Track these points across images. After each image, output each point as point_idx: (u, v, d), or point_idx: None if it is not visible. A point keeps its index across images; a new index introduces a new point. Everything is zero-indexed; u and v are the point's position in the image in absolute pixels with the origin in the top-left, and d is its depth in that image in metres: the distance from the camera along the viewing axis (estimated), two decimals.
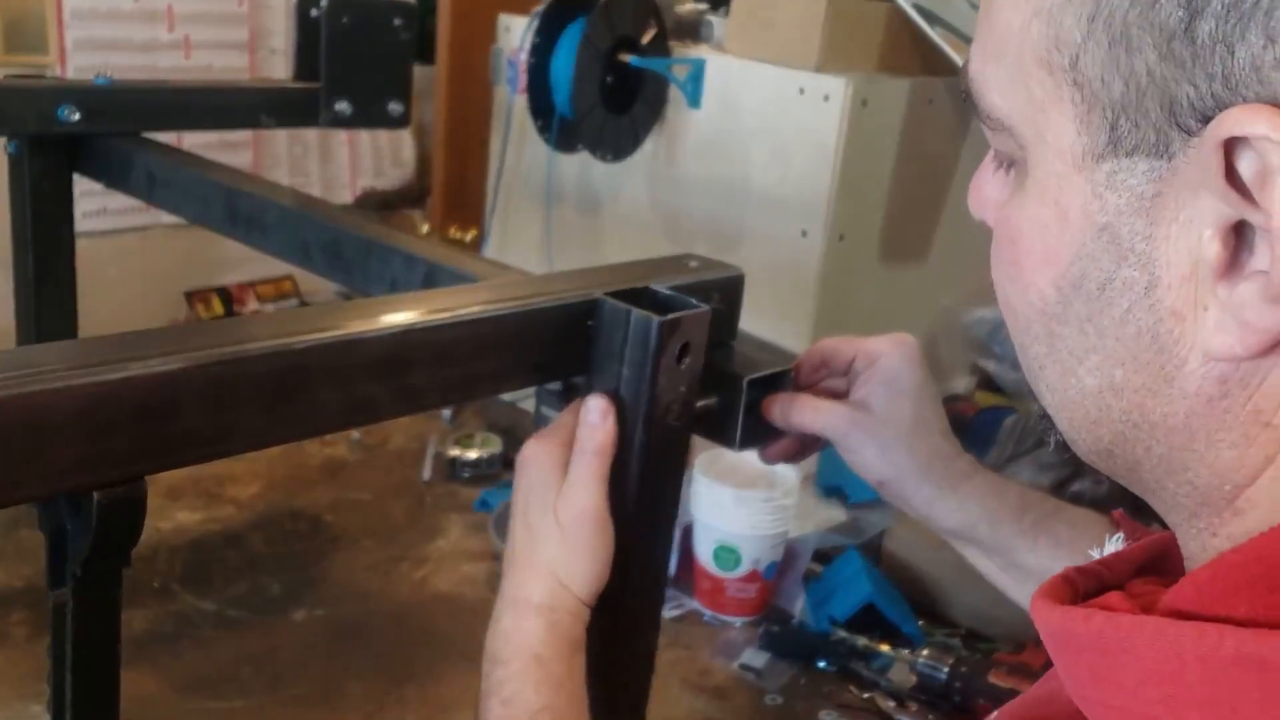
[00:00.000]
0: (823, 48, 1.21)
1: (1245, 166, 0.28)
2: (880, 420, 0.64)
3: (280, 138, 1.75)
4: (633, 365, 0.55)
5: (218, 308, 1.70)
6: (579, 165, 1.44)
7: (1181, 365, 0.31)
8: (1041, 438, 1.20)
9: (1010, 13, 0.33)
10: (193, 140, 1.41)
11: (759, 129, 1.27)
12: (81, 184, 0.98)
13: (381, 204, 1.95)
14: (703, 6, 1.39)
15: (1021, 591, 0.64)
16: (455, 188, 2.00)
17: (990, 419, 1.30)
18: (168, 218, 1.41)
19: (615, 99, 1.30)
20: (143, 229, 1.60)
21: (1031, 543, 0.63)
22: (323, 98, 1.05)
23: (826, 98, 1.20)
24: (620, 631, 0.59)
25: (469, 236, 1.77)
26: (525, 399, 1.39)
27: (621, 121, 1.32)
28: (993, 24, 0.34)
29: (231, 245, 0.85)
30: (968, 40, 1.22)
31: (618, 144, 1.34)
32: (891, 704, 0.97)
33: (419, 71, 1.34)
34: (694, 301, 0.57)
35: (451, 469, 1.32)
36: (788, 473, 1.09)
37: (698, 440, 0.63)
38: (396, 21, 1.07)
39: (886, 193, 1.29)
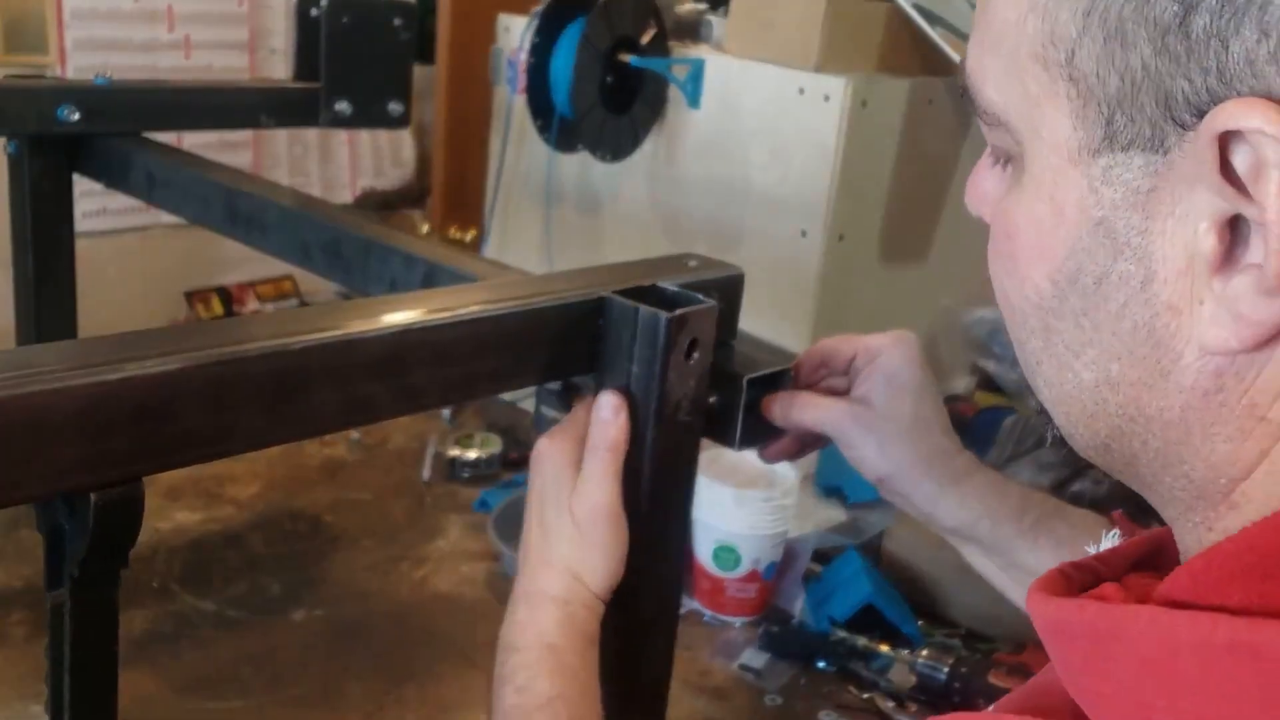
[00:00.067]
0: (822, 48, 1.21)
1: (1240, 160, 0.28)
2: (880, 416, 0.64)
3: (280, 138, 1.75)
4: (642, 362, 0.55)
5: (218, 308, 1.70)
6: (579, 165, 1.44)
7: (1177, 359, 0.31)
8: (1041, 438, 1.20)
9: (1007, 8, 0.33)
10: (193, 140, 1.41)
11: (759, 129, 1.27)
12: (81, 184, 0.98)
13: (381, 204, 1.95)
14: (702, 6, 1.39)
15: (1021, 592, 0.64)
16: (455, 188, 2.00)
17: (990, 419, 1.30)
18: (168, 218, 1.41)
19: (615, 99, 1.30)
20: (143, 229, 1.60)
21: (1032, 542, 0.63)
22: (323, 98, 1.05)
23: (826, 98, 1.20)
24: (636, 627, 0.59)
25: (469, 236, 1.77)
26: (525, 399, 1.39)
27: (621, 121, 1.32)
28: (989, 19, 0.34)
29: (231, 245, 0.86)
30: (967, 40, 1.22)
31: (617, 144, 1.34)
32: (891, 704, 0.97)
33: (419, 71, 1.34)
34: (701, 298, 0.58)
35: (451, 469, 1.32)
36: (787, 472, 1.09)
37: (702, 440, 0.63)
38: (396, 21, 1.07)
39: (886, 193, 1.29)
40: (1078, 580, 0.35)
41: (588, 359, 0.58)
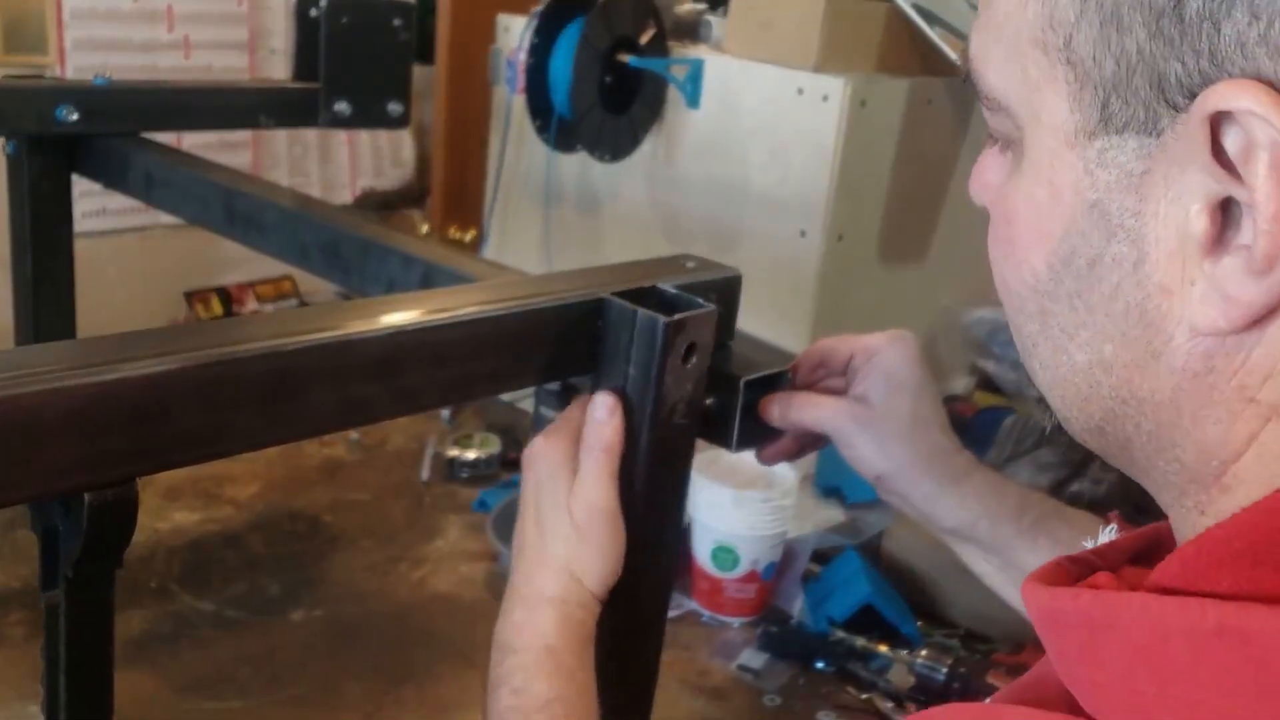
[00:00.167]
0: (821, 48, 1.21)
1: (1231, 142, 0.29)
2: (879, 414, 0.64)
3: (280, 138, 1.75)
4: (639, 365, 0.55)
5: (217, 308, 1.70)
6: (578, 165, 1.44)
7: (1169, 341, 0.31)
8: (1040, 438, 1.20)
9: None
10: (192, 140, 1.41)
11: (758, 129, 1.27)
12: (81, 184, 0.98)
13: (381, 204, 1.95)
14: (701, 6, 1.39)
15: (1019, 595, 0.64)
16: (455, 188, 2.00)
17: (989, 419, 1.30)
18: (167, 218, 1.41)
19: (614, 99, 1.30)
20: (142, 229, 1.60)
21: (1031, 542, 0.63)
22: (322, 98, 1.05)
23: (825, 98, 1.20)
24: (627, 627, 0.59)
25: (469, 236, 1.77)
26: (524, 399, 1.39)
27: (620, 122, 1.32)
28: (993, 5, 0.34)
29: (231, 245, 0.86)
30: (966, 40, 1.22)
31: (616, 144, 1.34)
32: (890, 705, 0.97)
33: (419, 71, 1.34)
34: (700, 301, 0.58)
35: (450, 469, 1.32)
36: (786, 473, 1.09)
37: (696, 442, 0.63)
38: (395, 21, 1.07)
39: (885, 193, 1.29)
40: (1074, 573, 0.35)
41: (586, 360, 0.58)
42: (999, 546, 0.64)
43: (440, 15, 1.97)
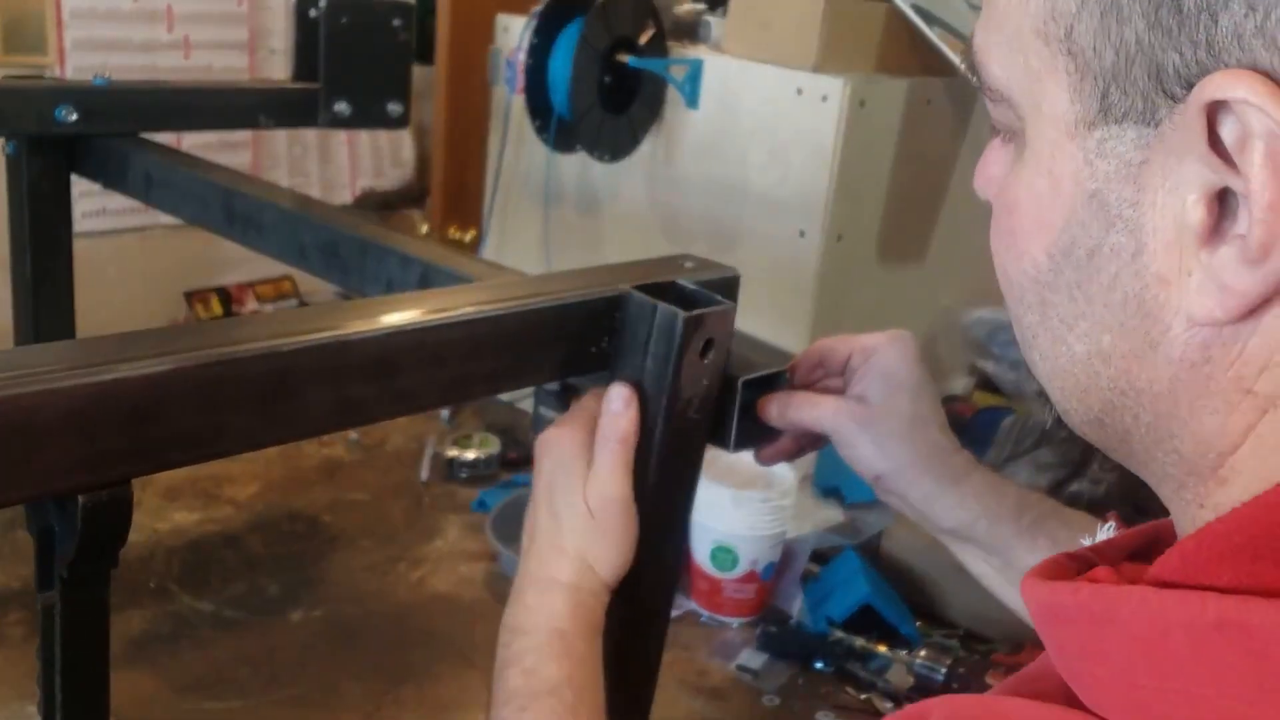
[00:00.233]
0: (820, 48, 1.21)
1: (1227, 132, 0.29)
2: (878, 413, 0.64)
3: (280, 138, 1.75)
4: (656, 359, 0.56)
5: (217, 308, 1.70)
6: (577, 165, 1.44)
7: (1166, 331, 0.31)
8: (1039, 438, 1.20)
9: None
10: (192, 140, 1.41)
11: (757, 129, 1.27)
12: (81, 184, 0.97)
13: (381, 204, 1.95)
14: (700, 7, 1.39)
15: (1017, 597, 0.63)
16: (454, 188, 2.00)
17: (988, 420, 1.30)
18: (167, 218, 1.41)
19: (613, 99, 1.30)
20: (142, 229, 1.60)
21: (1030, 543, 0.63)
22: (321, 98, 1.05)
23: (824, 98, 1.20)
24: (635, 618, 0.59)
25: (468, 237, 1.77)
26: (523, 399, 1.39)
27: (619, 122, 1.32)
28: None
29: (231, 246, 0.86)
30: (966, 40, 1.22)
31: (615, 144, 1.34)
32: (889, 705, 0.97)
33: (419, 72, 1.34)
34: (718, 298, 0.58)
35: (449, 469, 1.32)
36: (785, 473, 1.09)
37: None
38: (395, 22, 1.07)
39: (884, 193, 1.29)
40: (1073, 569, 0.35)
41: (587, 360, 0.58)
42: (998, 547, 0.64)
43: (440, 15, 1.97)
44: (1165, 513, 0.37)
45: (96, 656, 0.46)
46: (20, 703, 0.88)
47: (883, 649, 1.02)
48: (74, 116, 0.91)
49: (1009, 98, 0.34)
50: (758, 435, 0.66)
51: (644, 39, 1.30)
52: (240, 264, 1.69)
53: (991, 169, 0.39)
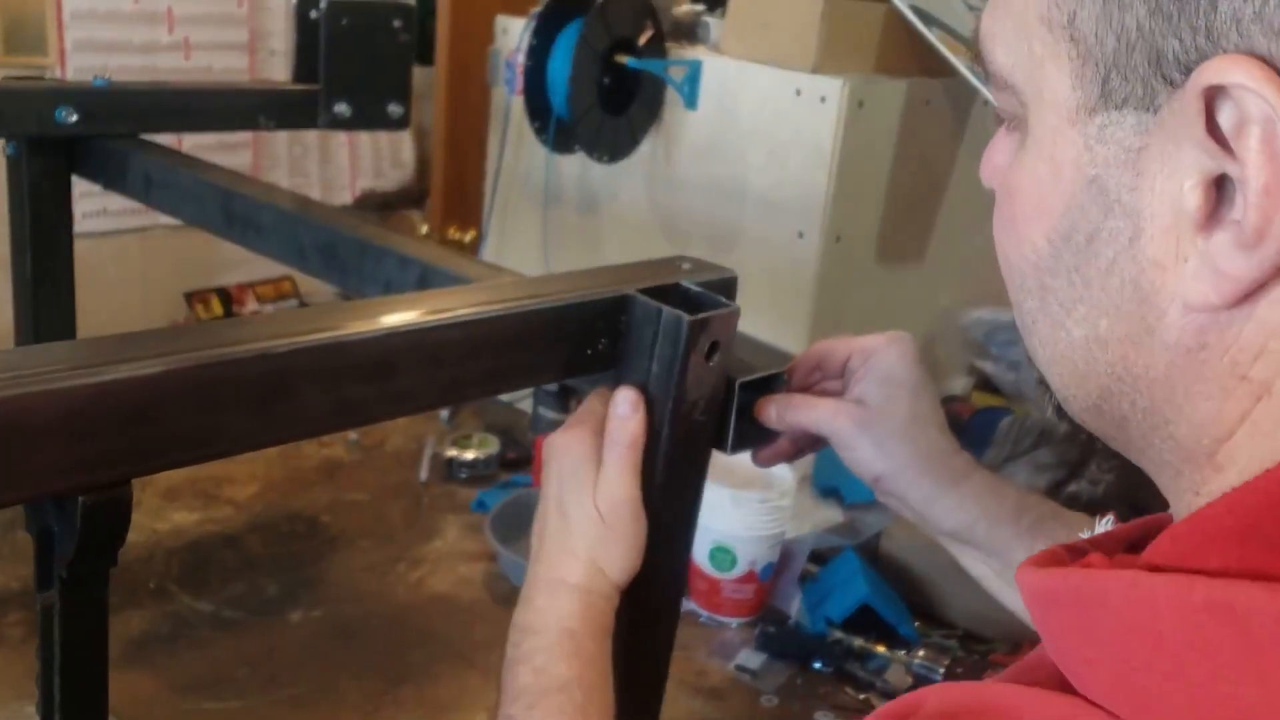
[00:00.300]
0: (819, 49, 1.21)
1: (1225, 118, 0.29)
2: (877, 415, 0.64)
3: (280, 139, 1.75)
4: (662, 361, 0.56)
5: (217, 308, 1.70)
6: (577, 166, 1.44)
7: (1162, 316, 0.32)
8: (1039, 438, 1.20)
9: None
10: (193, 141, 1.41)
11: (756, 130, 1.27)
12: (82, 185, 0.98)
13: (381, 205, 1.95)
14: (699, 8, 1.39)
15: (1016, 599, 0.63)
16: (454, 189, 2.01)
17: (987, 420, 1.30)
18: (167, 219, 1.42)
19: (612, 100, 1.30)
20: (143, 230, 1.61)
21: (1030, 545, 0.63)
22: (322, 99, 1.05)
23: (823, 99, 1.20)
24: (643, 619, 0.59)
25: (468, 237, 1.77)
26: (522, 399, 1.40)
27: (618, 123, 1.32)
28: None
29: (231, 246, 0.86)
30: (964, 41, 1.22)
31: (614, 145, 1.34)
32: None
33: (419, 73, 1.34)
34: (723, 300, 0.58)
35: (449, 470, 1.32)
36: (784, 474, 1.09)
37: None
38: (395, 23, 1.07)
39: (883, 194, 1.29)
40: (1068, 559, 0.36)
41: (585, 362, 0.58)
42: (997, 549, 0.64)
43: (440, 16, 1.98)
44: (1164, 512, 0.37)
45: (95, 656, 0.46)
46: (20, 703, 0.88)
47: (881, 649, 1.03)
48: (74, 118, 0.92)
49: (1013, 84, 0.35)
50: (755, 437, 0.66)
51: (643, 40, 1.30)
52: (240, 265, 1.69)
53: (996, 158, 0.39)
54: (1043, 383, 0.38)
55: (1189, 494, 0.34)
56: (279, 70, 1.67)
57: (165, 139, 1.00)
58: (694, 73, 1.30)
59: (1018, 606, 0.64)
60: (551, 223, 1.47)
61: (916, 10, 1.21)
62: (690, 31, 1.37)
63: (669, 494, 0.58)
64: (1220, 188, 0.30)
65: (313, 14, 1.04)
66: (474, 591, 1.12)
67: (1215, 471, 0.32)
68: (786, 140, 1.24)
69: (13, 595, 1.02)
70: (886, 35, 1.25)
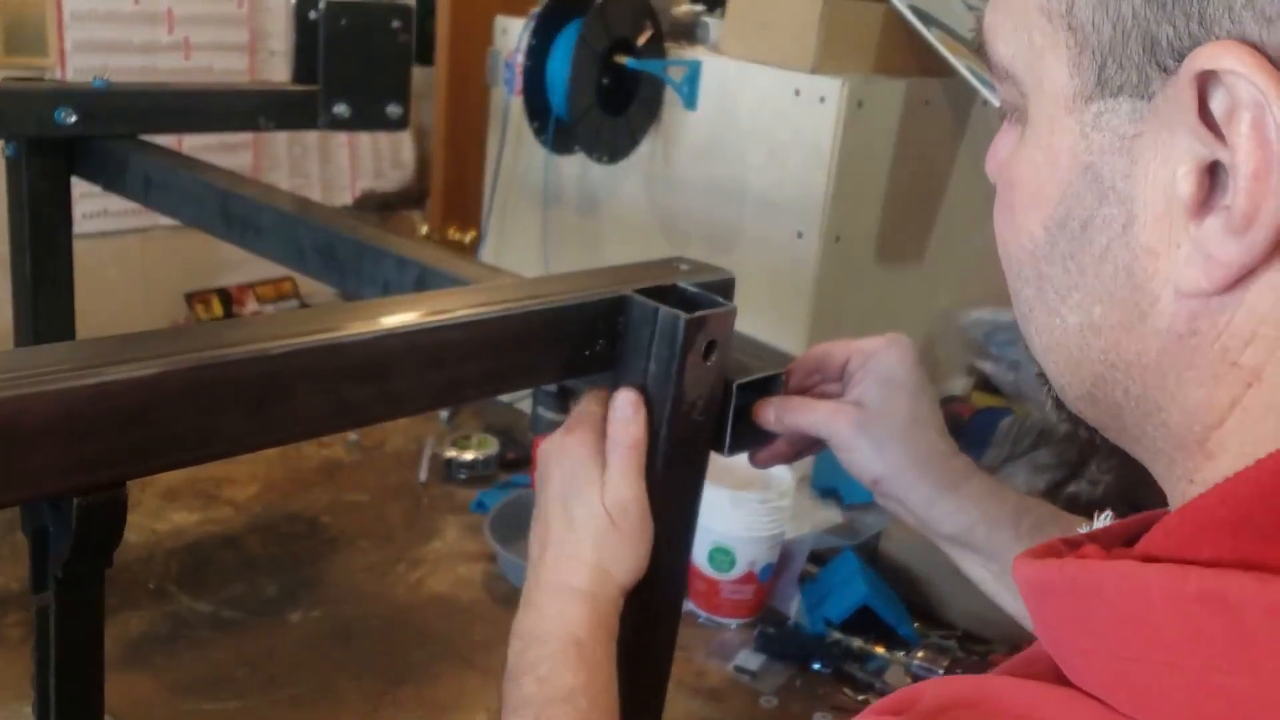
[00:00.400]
0: (818, 49, 1.21)
1: (1217, 104, 0.29)
2: (876, 417, 0.64)
3: (280, 139, 1.75)
4: (659, 361, 0.56)
5: (218, 309, 1.70)
6: (576, 167, 1.44)
7: (1154, 302, 0.32)
8: (1038, 439, 1.20)
9: None
10: (193, 142, 1.41)
11: (755, 130, 1.27)
12: (83, 185, 0.98)
13: (381, 205, 1.95)
14: (699, 8, 1.39)
15: (1016, 603, 0.63)
16: (455, 189, 2.01)
17: (987, 420, 1.30)
18: (168, 219, 1.42)
19: (611, 101, 1.31)
20: (143, 230, 1.61)
21: (1029, 548, 0.63)
22: (321, 100, 1.05)
23: (822, 99, 1.20)
24: (645, 620, 0.59)
25: (468, 238, 1.77)
26: (522, 400, 1.40)
27: (617, 123, 1.32)
28: None
29: (231, 247, 0.86)
30: (963, 41, 1.22)
31: (614, 146, 1.34)
32: None
33: (419, 73, 1.34)
34: (720, 300, 0.58)
35: (448, 470, 1.32)
36: (783, 474, 1.09)
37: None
38: (395, 24, 1.07)
39: (883, 194, 1.29)
40: (1066, 552, 0.36)
41: (583, 363, 0.58)
42: (996, 552, 0.64)
43: (440, 17, 1.98)
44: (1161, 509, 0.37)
45: (91, 657, 0.46)
46: (19, 703, 0.88)
47: (880, 650, 1.03)
48: (73, 118, 0.92)
49: (1014, 75, 0.35)
50: (752, 439, 0.66)
51: (642, 40, 1.30)
52: (241, 265, 1.69)
53: (1001, 152, 0.39)
54: (1041, 375, 0.39)
55: (1183, 482, 0.34)
56: (279, 71, 1.67)
57: (165, 140, 1.00)
58: (693, 73, 1.30)
59: (1016, 610, 0.64)
60: (551, 223, 1.47)
61: (916, 10, 1.21)
62: (689, 32, 1.37)
63: (668, 495, 0.58)
64: (1213, 174, 0.30)
65: (312, 15, 1.04)
66: (473, 592, 1.12)
67: (1207, 459, 0.33)
68: (786, 140, 1.24)
69: (13, 596, 1.02)
70: (886, 35, 1.25)
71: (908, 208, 1.33)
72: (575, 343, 0.56)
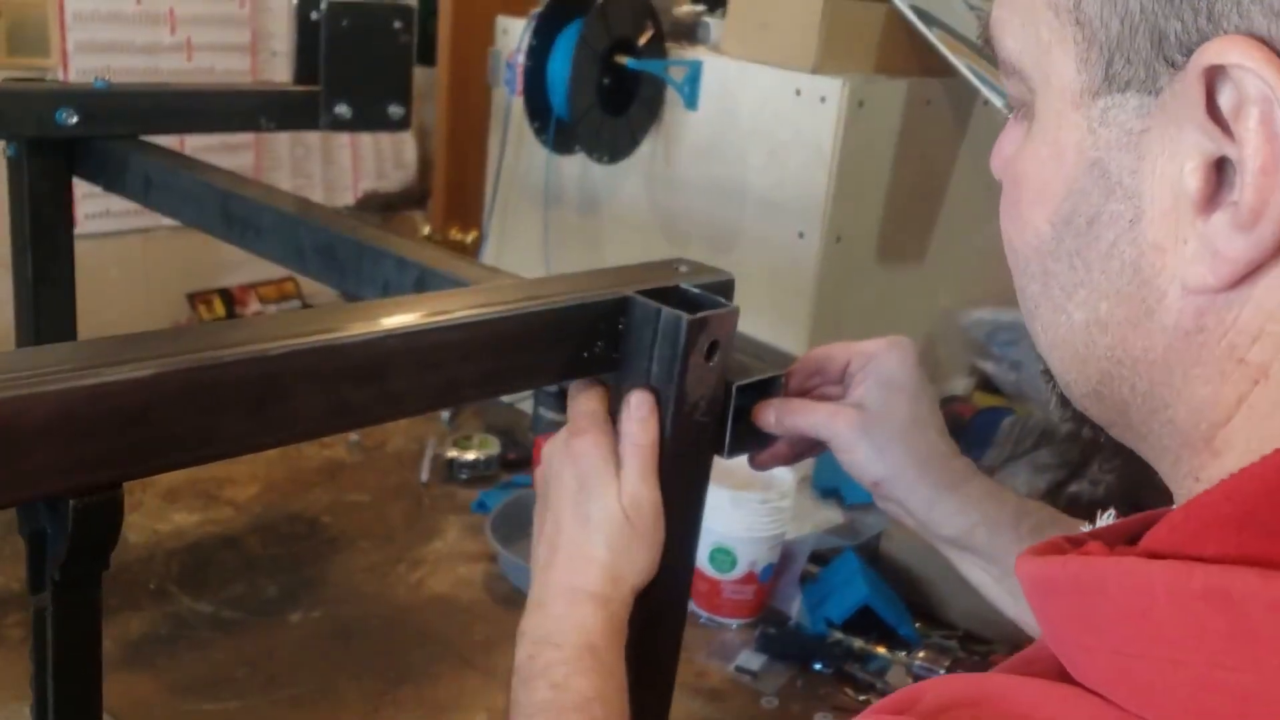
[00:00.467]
0: (819, 49, 1.21)
1: (1225, 99, 0.29)
2: (876, 418, 0.64)
3: (282, 140, 1.75)
4: (662, 362, 0.56)
5: (220, 309, 1.70)
6: (577, 167, 1.44)
7: (1161, 298, 0.32)
8: (1039, 439, 1.20)
9: None
10: (195, 142, 1.41)
11: (756, 130, 1.27)
12: (85, 186, 0.98)
13: (383, 205, 1.95)
14: (700, 8, 1.39)
15: (1016, 606, 0.63)
16: (456, 189, 2.01)
17: (988, 420, 1.30)
18: (170, 220, 1.42)
19: (612, 101, 1.30)
20: (145, 231, 1.61)
21: None
22: (322, 101, 1.05)
23: (823, 99, 1.20)
24: (649, 624, 0.59)
25: (470, 238, 1.77)
26: (523, 400, 1.40)
27: (618, 123, 1.32)
28: None
29: (233, 247, 0.86)
30: (965, 41, 1.22)
31: (614, 146, 1.34)
32: None
33: (421, 73, 1.34)
34: (722, 300, 0.58)
35: (449, 470, 1.32)
36: (784, 475, 1.09)
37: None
38: (396, 24, 1.07)
39: (884, 194, 1.29)
40: (1069, 549, 0.35)
41: (582, 365, 0.58)
42: (997, 555, 0.64)
43: (442, 17, 1.98)
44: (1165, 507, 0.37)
45: (88, 658, 0.46)
46: (18, 704, 0.88)
47: (882, 650, 1.02)
48: (74, 119, 0.92)
49: (1021, 70, 0.35)
50: (752, 440, 0.66)
51: (643, 40, 1.30)
52: (243, 265, 1.69)
53: (1006, 148, 0.39)
54: (1046, 372, 0.39)
55: (1189, 480, 0.34)
56: (281, 71, 1.67)
57: (168, 140, 1.00)
58: (694, 73, 1.30)
59: (1016, 614, 0.64)
60: (552, 223, 1.47)
61: (917, 10, 1.21)
62: (690, 32, 1.37)
63: (672, 496, 0.58)
64: (1220, 170, 0.30)
65: (313, 15, 1.04)
66: (474, 592, 1.12)
67: (1213, 456, 0.32)
68: (787, 140, 1.24)
69: (13, 596, 1.02)
70: (887, 35, 1.25)
71: (909, 208, 1.33)
72: (575, 344, 0.56)
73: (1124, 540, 0.38)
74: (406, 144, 1.98)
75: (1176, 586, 0.29)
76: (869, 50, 1.25)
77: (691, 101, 1.30)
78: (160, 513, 1.18)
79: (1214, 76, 0.29)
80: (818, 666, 1.02)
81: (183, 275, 1.67)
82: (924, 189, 1.35)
